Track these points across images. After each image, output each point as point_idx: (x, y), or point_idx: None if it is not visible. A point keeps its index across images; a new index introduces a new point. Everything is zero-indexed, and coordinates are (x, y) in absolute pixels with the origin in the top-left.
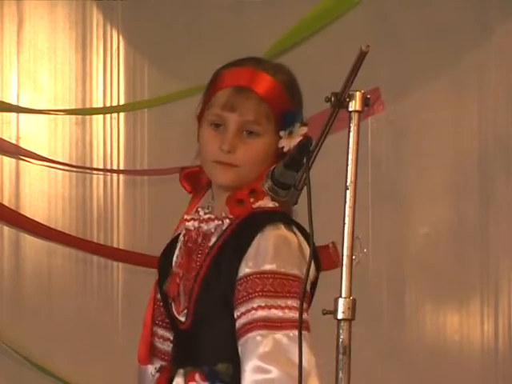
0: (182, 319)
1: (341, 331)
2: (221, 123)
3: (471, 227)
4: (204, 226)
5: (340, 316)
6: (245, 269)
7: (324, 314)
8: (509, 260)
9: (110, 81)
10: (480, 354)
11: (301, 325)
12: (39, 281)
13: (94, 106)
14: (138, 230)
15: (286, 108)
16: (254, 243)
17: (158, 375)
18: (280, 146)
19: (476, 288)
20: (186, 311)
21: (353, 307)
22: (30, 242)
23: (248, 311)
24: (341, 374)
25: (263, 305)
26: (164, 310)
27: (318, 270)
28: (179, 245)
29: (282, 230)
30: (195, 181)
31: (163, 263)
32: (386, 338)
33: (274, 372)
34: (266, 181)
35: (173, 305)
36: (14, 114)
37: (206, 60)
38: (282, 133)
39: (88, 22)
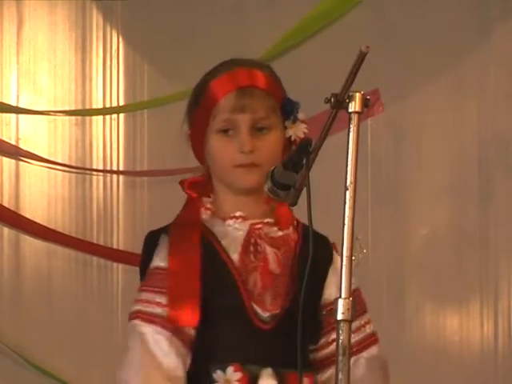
0: (268, 319)
1: (340, 332)
2: (230, 127)
3: (471, 227)
4: (265, 229)
5: (340, 317)
6: (330, 294)
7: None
8: (509, 260)
9: (109, 82)
10: (480, 354)
11: (301, 324)
12: (39, 282)
13: (94, 106)
14: (137, 231)
15: (282, 97)
16: (336, 265)
17: (238, 375)
18: (287, 135)
19: (476, 288)
20: (276, 312)
21: (352, 308)
22: (29, 242)
23: (360, 327)
24: (341, 375)
25: (370, 320)
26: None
27: None
28: (238, 243)
29: None
30: (199, 188)
31: (207, 253)
32: (386, 339)
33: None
34: (266, 182)
35: (252, 301)
36: (13, 115)
37: (205, 61)
38: (286, 122)
39: (88, 23)
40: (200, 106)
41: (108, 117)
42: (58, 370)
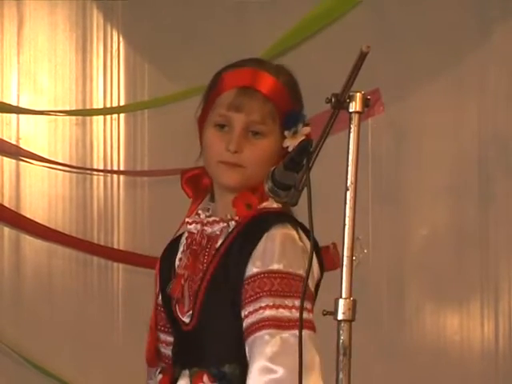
0: (187, 320)
1: (341, 332)
2: (226, 124)
3: (471, 228)
4: (208, 229)
5: (340, 317)
6: (252, 268)
7: (324, 314)
8: (509, 260)
9: (110, 82)
10: (480, 354)
11: (301, 323)
12: (39, 281)
13: (95, 106)
14: (138, 230)
15: (289, 108)
16: (261, 243)
17: (160, 377)
18: (285, 145)
19: (476, 288)
20: (190, 312)
21: (353, 308)
22: (30, 242)
23: (256, 310)
24: (341, 375)
25: (271, 304)
26: (165, 314)
27: (322, 270)
28: (181, 248)
29: (289, 230)
30: (196, 185)
31: (164, 267)
32: (386, 339)
33: (281, 372)
34: (267, 182)
35: (176, 306)
36: (14, 115)
37: (206, 61)
38: (286, 133)
39: (88, 23)
40: (210, 94)
41: (108, 117)
42: (58, 369)
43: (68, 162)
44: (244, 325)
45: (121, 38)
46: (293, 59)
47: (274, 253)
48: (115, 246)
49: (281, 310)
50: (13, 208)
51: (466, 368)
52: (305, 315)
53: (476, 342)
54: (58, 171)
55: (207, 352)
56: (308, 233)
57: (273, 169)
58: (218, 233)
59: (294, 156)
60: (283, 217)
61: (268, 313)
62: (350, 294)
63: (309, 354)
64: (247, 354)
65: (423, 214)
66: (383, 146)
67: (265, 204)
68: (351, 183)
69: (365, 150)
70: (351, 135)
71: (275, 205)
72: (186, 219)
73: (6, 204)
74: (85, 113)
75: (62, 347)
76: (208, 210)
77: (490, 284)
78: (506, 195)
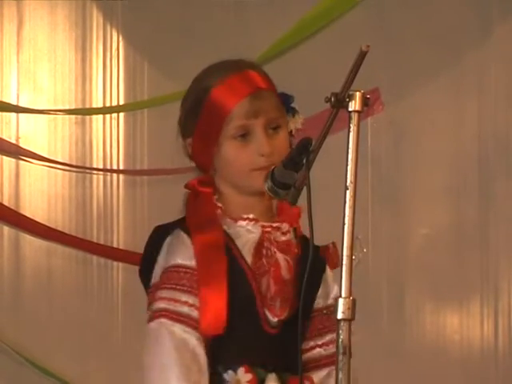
0: (276, 323)
1: (341, 331)
2: (246, 132)
3: (471, 227)
4: (273, 233)
5: (340, 316)
6: (327, 301)
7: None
8: (509, 260)
9: (109, 81)
10: (480, 354)
11: (299, 326)
12: (39, 281)
13: (94, 106)
14: (137, 230)
15: (276, 93)
16: (329, 274)
17: (250, 377)
18: (289, 129)
19: (476, 288)
20: (283, 317)
21: (353, 307)
22: (29, 241)
23: (332, 343)
24: (341, 375)
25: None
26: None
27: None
28: (251, 246)
29: None
30: (207, 185)
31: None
32: (386, 338)
33: None
34: (266, 181)
35: (263, 305)
36: (13, 114)
37: (205, 60)
38: (288, 117)
39: (88, 23)
40: (206, 115)
41: (108, 116)
42: (58, 369)
43: (68, 161)
44: (315, 353)
45: (120, 38)
46: (292, 59)
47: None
48: (115, 245)
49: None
50: (12, 207)
51: (466, 367)
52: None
53: (476, 342)
54: (58, 170)
55: (291, 358)
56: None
57: (272, 168)
58: (284, 238)
59: (293, 155)
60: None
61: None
62: (350, 293)
63: None
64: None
65: (423, 214)
66: (383, 146)
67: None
68: (351, 182)
69: (364, 150)
70: (351, 134)
71: None
72: (251, 215)
73: (6, 203)
74: (84, 112)
75: (61, 346)
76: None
77: (490, 283)
78: (506, 195)
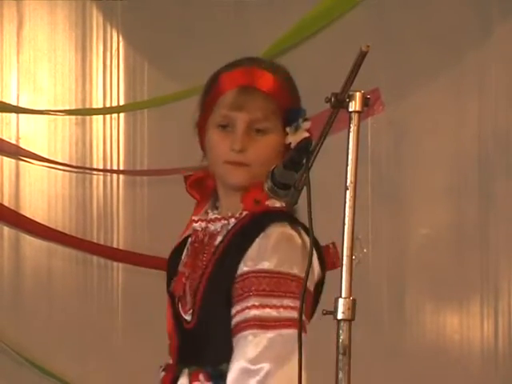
0: (188, 318)
1: (341, 331)
2: (228, 124)
3: (471, 227)
4: (211, 226)
5: (340, 316)
6: (243, 267)
7: (324, 314)
8: (509, 260)
9: (109, 81)
10: (480, 354)
11: (300, 324)
12: (39, 281)
13: (94, 106)
14: (137, 230)
15: (288, 104)
16: (256, 241)
17: (162, 374)
18: (287, 142)
19: (476, 288)
20: (191, 311)
21: (353, 307)
22: (30, 242)
23: (242, 310)
24: (341, 375)
25: (257, 304)
26: (171, 312)
27: (324, 270)
28: (187, 246)
29: (287, 229)
30: (201, 187)
31: (172, 265)
32: (386, 338)
33: (264, 370)
34: (266, 181)
35: (179, 304)
36: (13, 115)
37: (205, 60)
38: (288, 129)
39: (88, 23)
40: (208, 97)
41: (108, 116)
42: (57, 368)
43: (68, 162)
44: (232, 323)
45: (120, 38)
46: (293, 59)
47: (266, 252)
48: (115, 246)
49: (267, 310)
50: (12, 207)
51: (466, 367)
52: (289, 314)
53: (476, 341)
54: (58, 171)
55: (206, 351)
56: (308, 232)
57: (272, 168)
58: (218, 230)
59: (293, 155)
60: (283, 216)
61: (253, 313)
62: (350, 293)
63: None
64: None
65: (423, 214)
66: (383, 146)
67: (267, 203)
68: (351, 182)
69: (364, 150)
70: (351, 135)
71: (278, 204)
72: (193, 217)
73: (6, 203)
74: (84, 112)
75: (61, 346)
76: (217, 208)
77: (490, 283)
78: (506, 195)
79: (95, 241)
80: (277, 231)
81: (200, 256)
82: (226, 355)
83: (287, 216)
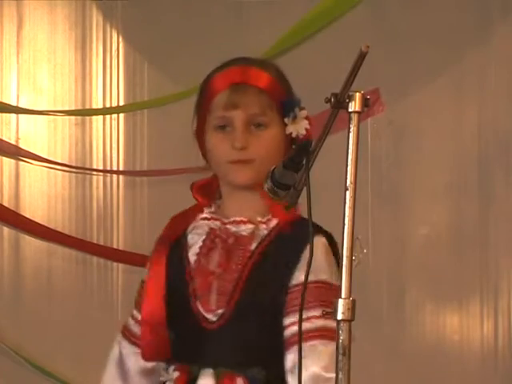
0: (213, 318)
1: (340, 332)
2: (226, 124)
3: (471, 227)
4: (232, 228)
5: (340, 317)
6: (299, 276)
7: (324, 314)
8: (508, 260)
9: (109, 82)
10: (480, 354)
11: (300, 324)
12: (39, 281)
13: (94, 106)
14: (137, 230)
15: (283, 97)
16: (307, 252)
17: (177, 374)
18: (288, 132)
19: (476, 288)
20: (221, 311)
21: (353, 308)
22: (29, 242)
23: (308, 319)
24: (341, 375)
25: (320, 314)
26: (169, 308)
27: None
28: (199, 243)
29: (324, 239)
30: (206, 192)
31: (174, 260)
32: (386, 338)
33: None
34: (266, 181)
35: (198, 302)
36: (13, 115)
37: (205, 61)
38: (286, 120)
39: (88, 23)
40: (201, 102)
41: (108, 117)
42: (57, 369)
43: (67, 162)
44: (288, 332)
45: (120, 38)
46: (293, 59)
47: (320, 263)
48: (115, 246)
49: (329, 321)
50: (12, 208)
51: (466, 367)
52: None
53: (475, 342)
54: (58, 171)
55: (233, 353)
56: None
57: (272, 168)
58: (245, 233)
59: (293, 156)
60: (317, 226)
61: (321, 322)
62: (350, 293)
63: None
64: (288, 362)
65: (423, 214)
66: (383, 146)
67: (296, 210)
68: (351, 183)
69: (364, 150)
70: (351, 135)
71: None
72: (204, 214)
73: (6, 204)
74: (84, 113)
75: (61, 347)
76: (214, 206)
77: (490, 283)
78: (505, 195)
79: (95, 241)
80: (321, 242)
81: (234, 259)
82: (254, 359)
83: (316, 225)
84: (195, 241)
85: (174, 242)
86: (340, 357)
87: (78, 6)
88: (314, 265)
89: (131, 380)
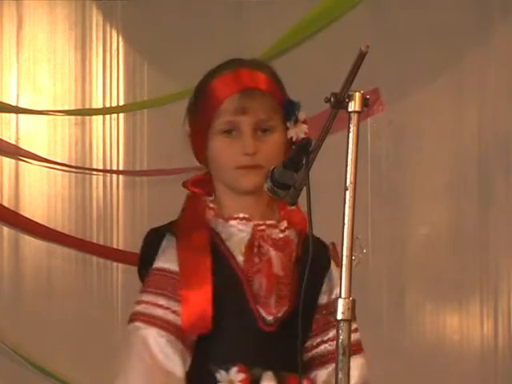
0: (271, 320)
1: (340, 332)
2: (232, 128)
3: (471, 227)
4: (267, 231)
5: (340, 316)
6: (323, 299)
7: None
8: (508, 260)
9: (109, 81)
10: (480, 354)
11: (300, 325)
12: (39, 281)
13: (94, 106)
14: (137, 230)
15: (281, 98)
16: (331, 271)
17: (242, 376)
18: (289, 136)
19: (476, 288)
20: (280, 315)
21: (352, 308)
22: (29, 242)
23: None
24: (340, 375)
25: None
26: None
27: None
28: (242, 244)
29: None
30: (202, 185)
31: (216, 253)
32: (386, 338)
33: None
34: (266, 181)
35: (257, 303)
36: (13, 115)
37: (205, 61)
38: (288, 123)
39: (88, 23)
40: (202, 106)
41: (108, 116)
42: (57, 369)
43: (67, 162)
44: (322, 349)
45: (120, 38)
46: (293, 59)
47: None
48: (115, 246)
49: (357, 334)
50: (12, 208)
51: (466, 367)
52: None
53: (475, 342)
54: (58, 171)
55: (292, 356)
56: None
57: (272, 168)
58: (277, 238)
59: (293, 156)
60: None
61: (357, 336)
62: (350, 293)
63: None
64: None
65: (423, 214)
66: (383, 146)
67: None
68: (350, 183)
69: (364, 150)
70: (350, 135)
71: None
72: (241, 214)
73: (6, 204)
74: (84, 112)
75: (61, 347)
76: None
77: (490, 284)
78: (505, 195)
79: (95, 241)
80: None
81: (286, 262)
82: (313, 364)
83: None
84: (235, 241)
85: (209, 237)
86: (340, 357)
87: (77, 6)
88: (334, 282)
89: (176, 366)
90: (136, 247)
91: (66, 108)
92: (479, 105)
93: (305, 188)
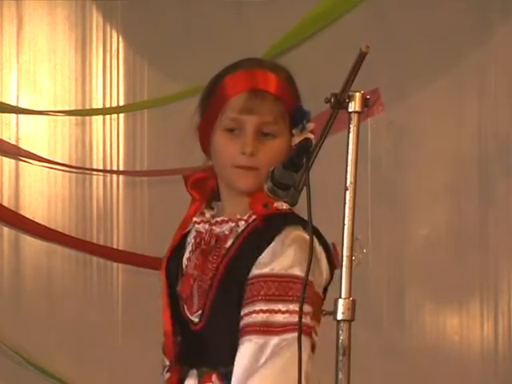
0: (196, 320)
1: (340, 332)
2: (236, 127)
3: (471, 228)
4: (216, 229)
5: (340, 317)
6: (254, 270)
7: (324, 314)
8: (508, 261)
9: (109, 82)
10: (480, 354)
11: (300, 326)
12: (39, 281)
13: (94, 106)
14: (137, 230)
15: (294, 105)
16: (271, 245)
17: (168, 375)
18: (293, 143)
19: (476, 289)
20: (200, 312)
21: (352, 308)
22: (29, 242)
23: (250, 313)
24: (340, 375)
25: (264, 309)
26: (170, 313)
27: (332, 272)
28: (189, 247)
29: (301, 232)
30: (201, 187)
31: (171, 267)
32: (386, 339)
33: (263, 376)
34: (266, 182)
35: (185, 306)
36: (13, 115)
37: (205, 61)
38: (294, 131)
39: (88, 23)
40: (212, 100)
41: (108, 117)
42: (57, 369)
43: (67, 162)
44: (240, 325)
45: (120, 38)
46: (293, 59)
47: (279, 255)
48: (115, 246)
49: (273, 315)
50: (12, 208)
51: (466, 368)
52: (294, 319)
53: (475, 342)
54: (58, 171)
55: (216, 352)
56: (317, 233)
57: (272, 169)
58: (226, 232)
59: (293, 156)
60: (296, 218)
61: (260, 317)
62: (350, 293)
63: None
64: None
65: (423, 214)
66: (383, 146)
67: (276, 205)
68: (350, 183)
69: (364, 150)
70: (350, 135)
71: (285, 206)
72: (194, 218)
73: (6, 204)
74: (84, 113)
75: (61, 347)
76: (213, 208)
77: (490, 284)
78: (506, 195)
79: (95, 241)
80: (292, 234)
81: (210, 258)
82: (234, 358)
83: (300, 218)
84: (188, 246)
85: (175, 249)
86: (340, 357)
87: (77, 6)
88: (267, 257)
89: None
90: (136, 247)
91: (66, 108)
92: (479, 105)
93: (305, 188)
